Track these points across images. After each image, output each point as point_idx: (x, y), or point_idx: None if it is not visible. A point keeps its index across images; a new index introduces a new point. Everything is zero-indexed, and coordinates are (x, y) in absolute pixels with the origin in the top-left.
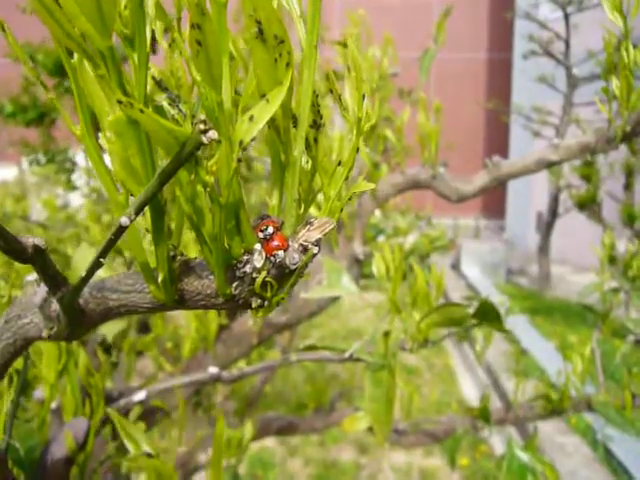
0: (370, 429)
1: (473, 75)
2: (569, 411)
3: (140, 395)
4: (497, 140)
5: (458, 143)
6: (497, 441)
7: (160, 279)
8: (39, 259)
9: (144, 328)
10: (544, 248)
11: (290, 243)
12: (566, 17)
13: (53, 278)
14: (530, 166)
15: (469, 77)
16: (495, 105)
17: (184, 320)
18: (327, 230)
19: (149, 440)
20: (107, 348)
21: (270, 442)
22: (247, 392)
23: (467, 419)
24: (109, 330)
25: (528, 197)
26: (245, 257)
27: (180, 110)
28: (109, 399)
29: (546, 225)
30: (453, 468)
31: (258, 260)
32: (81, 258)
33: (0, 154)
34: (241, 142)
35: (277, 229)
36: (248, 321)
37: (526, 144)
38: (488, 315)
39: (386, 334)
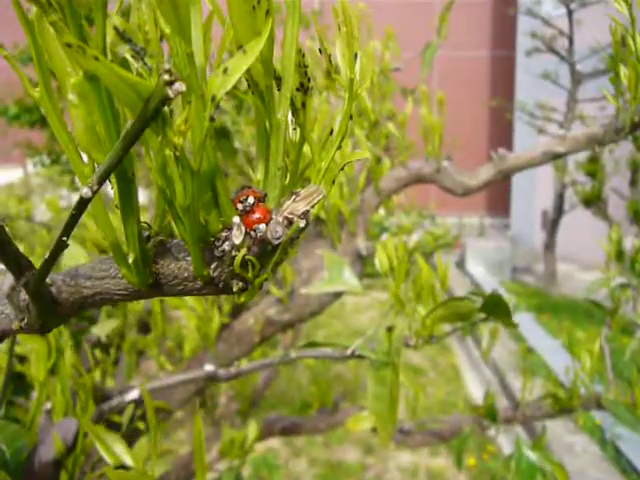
0: (374, 429)
1: (476, 73)
2: (578, 409)
3: (133, 394)
4: (501, 138)
5: (462, 141)
6: (505, 441)
7: (131, 260)
8: None
9: (145, 328)
10: (550, 246)
11: (274, 216)
12: (569, 13)
13: (15, 261)
14: (536, 158)
15: (472, 75)
16: (499, 103)
17: (186, 319)
18: (315, 201)
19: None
20: (106, 347)
21: (275, 443)
22: (250, 393)
23: (473, 418)
24: (102, 328)
25: (533, 195)
26: (224, 234)
27: (145, 63)
28: (104, 398)
29: (551, 222)
30: (460, 468)
31: (237, 236)
32: (71, 257)
33: (5, 156)
34: (214, 97)
35: (259, 200)
36: (249, 319)
37: (530, 141)
38: (496, 308)
39: (389, 329)
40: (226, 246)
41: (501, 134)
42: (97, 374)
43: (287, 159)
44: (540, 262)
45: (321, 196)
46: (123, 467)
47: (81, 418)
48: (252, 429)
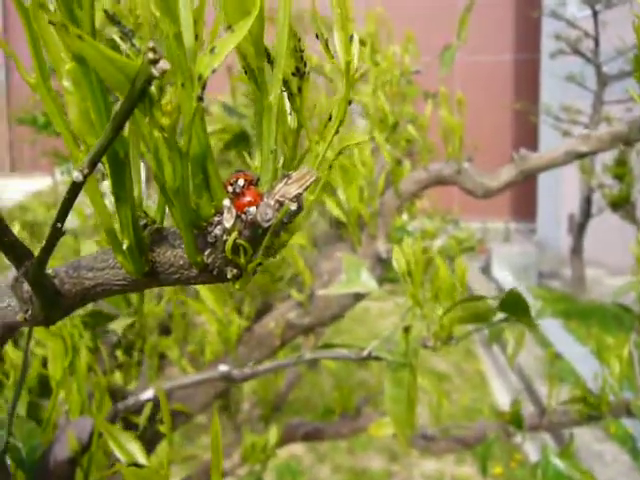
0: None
1: (500, 77)
2: (607, 416)
3: (148, 393)
4: (526, 141)
5: (486, 146)
6: (531, 449)
7: (125, 247)
8: None
9: (167, 331)
10: (577, 250)
11: (265, 199)
12: (595, 14)
13: (12, 250)
14: (559, 158)
15: (496, 79)
16: (523, 106)
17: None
18: (308, 183)
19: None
20: (128, 349)
21: (298, 449)
22: (272, 398)
23: (499, 425)
24: (119, 324)
25: (559, 198)
26: (216, 218)
27: (133, 45)
28: (121, 398)
29: (578, 227)
30: (485, 476)
31: (228, 219)
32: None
33: (34, 164)
34: (200, 76)
35: (250, 182)
36: (270, 323)
37: (556, 144)
38: (515, 307)
39: (406, 330)
40: (217, 230)
41: (526, 138)
42: (118, 375)
43: (285, 145)
44: (567, 267)
45: (313, 178)
46: (136, 465)
47: (96, 417)
48: (273, 434)
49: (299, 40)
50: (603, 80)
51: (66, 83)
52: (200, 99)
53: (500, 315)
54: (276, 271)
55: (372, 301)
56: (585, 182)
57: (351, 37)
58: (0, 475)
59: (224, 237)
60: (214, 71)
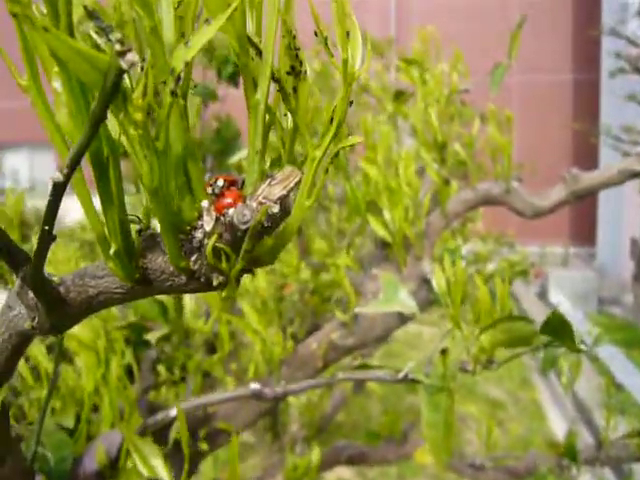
0: None
1: (558, 97)
2: None
3: (175, 411)
4: (586, 162)
5: (545, 167)
6: None
7: (112, 251)
8: None
9: (212, 349)
10: (639, 276)
11: (248, 201)
12: None
13: (9, 254)
14: (612, 177)
15: (554, 99)
16: (582, 126)
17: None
18: (292, 184)
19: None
20: (169, 367)
21: (346, 473)
22: (317, 419)
23: (552, 457)
24: (154, 335)
25: (620, 222)
26: (200, 222)
27: (109, 40)
28: (151, 412)
29: None
30: None
31: (208, 222)
32: None
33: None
34: (173, 70)
35: (230, 183)
36: (313, 343)
37: None
38: (558, 330)
39: (443, 352)
40: (199, 234)
41: (586, 159)
42: (164, 391)
43: (283, 149)
44: (629, 293)
45: (297, 179)
46: None
47: (125, 430)
48: (315, 455)
49: (294, 37)
50: None
51: (55, 84)
52: (174, 94)
53: (545, 339)
54: (326, 291)
55: (424, 325)
56: None
57: (347, 33)
58: None
59: (205, 241)
60: (187, 64)
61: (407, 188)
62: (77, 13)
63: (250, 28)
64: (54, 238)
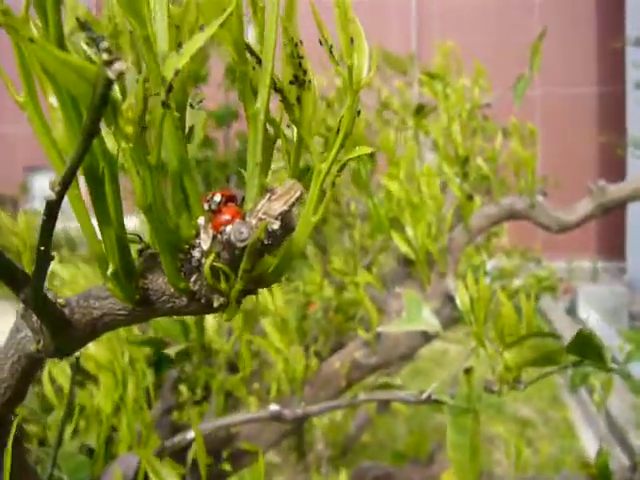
0: None
1: (582, 109)
2: None
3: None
4: (613, 175)
5: (571, 181)
6: None
7: (110, 271)
8: None
9: (234, 368)
10: None
11: (247, 218)
12: None
13: (8, 274)
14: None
15: (578, 112)
16: (609, 139)
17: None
18: (293, 199)
19: None
20: (191, 386)
21: None
22: (342, 440)
23: (583, 477)
24: (172, 350)
25: None
26: (197, 240)
27: (99, 50)
28: (173, 433)
29: None
30: None
31: (205, 240)
32: None
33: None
34: (163, 78)
35: (228, 199)
36: (336, 362)
37: None
38: (587, 349)
39: (467, 371)
40: (197, 253)
41: (612, 172)
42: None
43: (288, 163)
44: None
45: (299, 193)
46: None
47: (142, 452)
48: (342, 477)
49: (296, 45)
50: None
51: (52, 100)
52: (165, 104)
53: (574, 358)
54: (350, 309)
55: (451, 343)
56: None
57: (351, 40)
58: None
59: (202, 260)
60: (177, 73)
61: (430, 203)
62: (70, 24)
63: (253, 36)
64: (52, 258)
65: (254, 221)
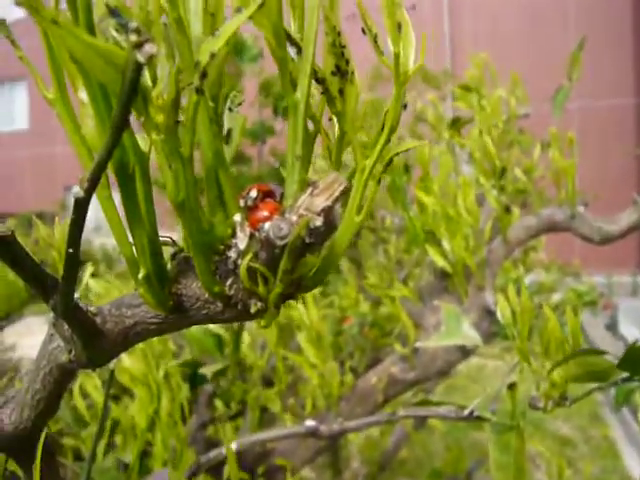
0: None
1: (620, 121)
2: None
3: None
4: None
5: (608, 194)
6: None
7: (141, 276)
8: (4, 252)
9: (269, 383)
10: None
11: (287, 214)
12: None
13: (37, 280)
14: None
15: (616, 124)
16: None
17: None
18: (337, 193)
19: None
20: (226, 401)
21: None
22: (378, 456)
23: None
24: (209, 369)
25: None
26: (234, 240)
27: (128, 34)
28: (208, 448)
29: None
30: None
31: (241, 238)
32: None
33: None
34: (197, 63)
35: (266, 194)
36: (372, 378)
37: None
38: (639, 365)
39: (511, 387)
40: (233, 253)
41: None
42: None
43: (329, 160)
44: None
45: (343, 187)
46: None
47: (175, 469)
48: None
49: (339, 34)
50: None
51: (82, 95)
52: (199, 91)
53: (623, 374)
54: (386, 324)
55: (487, 359)
56: None
57: (399, 25)
58: None
59: (239, 261)
60: (213, 57)
61: (467, 216)
62: (99, 11)
63: (292, 27)
64: (81, 262)
65: (294, 217)
